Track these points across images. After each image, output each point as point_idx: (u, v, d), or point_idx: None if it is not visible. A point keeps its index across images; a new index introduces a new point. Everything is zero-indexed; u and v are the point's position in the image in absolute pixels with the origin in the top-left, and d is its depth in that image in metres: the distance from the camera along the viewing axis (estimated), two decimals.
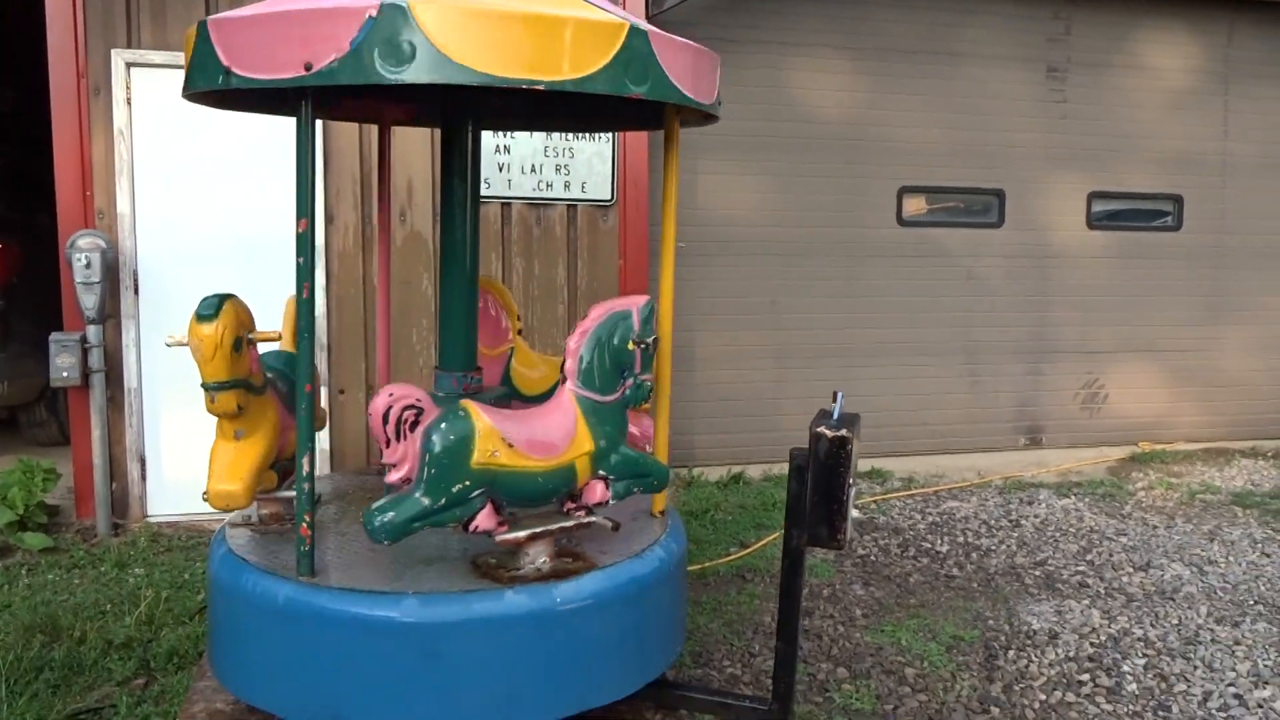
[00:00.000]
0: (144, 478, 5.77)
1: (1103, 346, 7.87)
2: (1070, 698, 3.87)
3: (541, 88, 2.47)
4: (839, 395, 3.18)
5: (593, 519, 3.08)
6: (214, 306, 2.97)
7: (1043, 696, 3.88)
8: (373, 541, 2.75)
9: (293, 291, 3.13)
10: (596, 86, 2.55)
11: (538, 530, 2.95)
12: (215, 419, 3.07)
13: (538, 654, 2.87)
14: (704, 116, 3.34)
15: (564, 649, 2.91)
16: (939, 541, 5.59)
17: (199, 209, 5.70)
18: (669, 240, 3.32)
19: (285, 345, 3.49)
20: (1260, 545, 5.57)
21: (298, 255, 2.68)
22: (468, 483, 2.76)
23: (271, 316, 3.58)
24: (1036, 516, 6.05)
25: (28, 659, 3.94)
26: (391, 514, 2.72)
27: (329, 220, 5.88)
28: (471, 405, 2.85)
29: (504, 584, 2.88)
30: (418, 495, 2.73)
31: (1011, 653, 4.23)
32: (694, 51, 2.86)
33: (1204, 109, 7.88)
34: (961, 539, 5.64)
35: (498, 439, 2.79)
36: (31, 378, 6.83)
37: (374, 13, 2.40)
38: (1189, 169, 7.89)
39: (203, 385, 2.96)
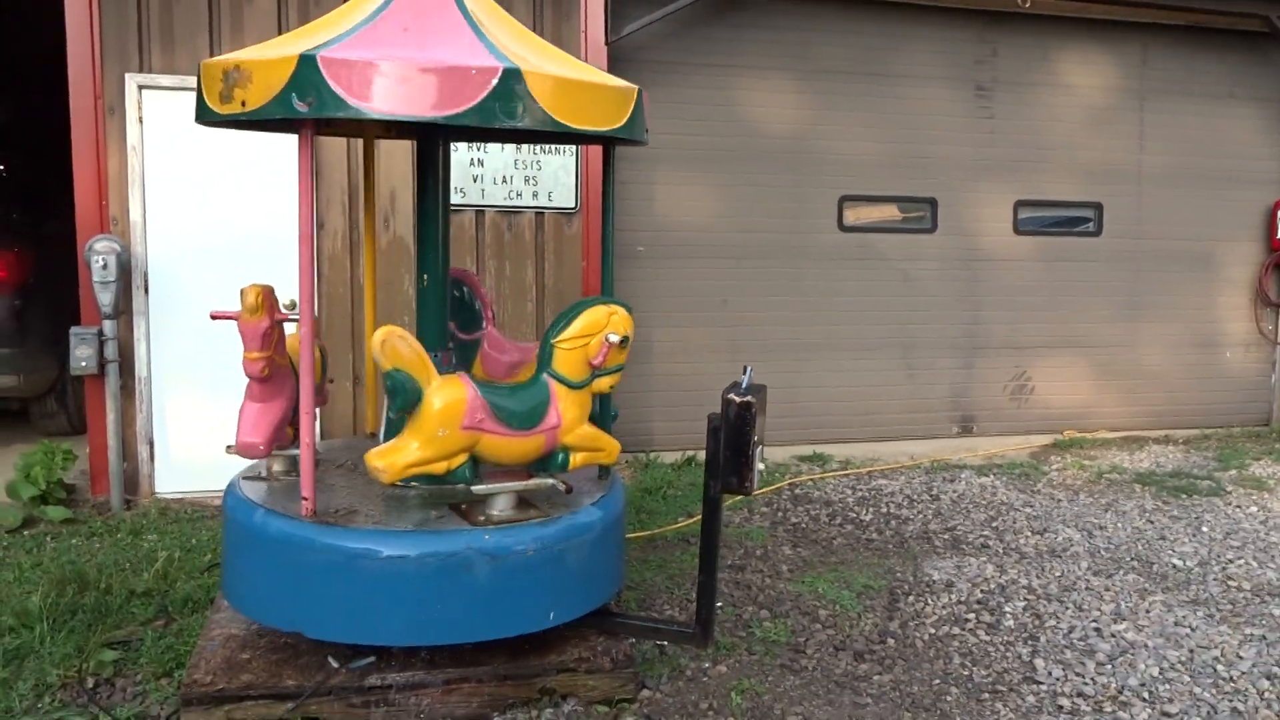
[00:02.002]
0: (152, 458, 6.39)
1: (1030, 342, 8.59)
2: (955, 631, 4.57)
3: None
4: (748, 369, 3.86)
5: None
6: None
7: (932, 630, 4.57)
8: None
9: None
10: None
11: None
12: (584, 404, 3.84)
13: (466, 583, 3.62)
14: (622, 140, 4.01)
15: (490, 582, 3.65)
16: (864, 512, 6.29)
17: (202, 216, 6.34)
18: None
19: None
20: (1148, 514, 6.30)
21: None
22: None
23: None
24: (955, 492, 6.76)
25: (63, 604, 4.55)
26: None
27: (320, 226, 6.53)
28: None
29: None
30: None
31: (912, 598, 4.92)
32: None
33: (1121, 123, 8.64)
34: (884, 510, 6.34)
35: None
36: (44, 372, 7.42)
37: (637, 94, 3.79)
38: (1108, 179, 8.64)
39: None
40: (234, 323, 3.89)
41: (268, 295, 3.92)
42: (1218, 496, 6.72)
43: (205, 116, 3.58)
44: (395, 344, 3.56)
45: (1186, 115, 8.75)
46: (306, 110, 3.21)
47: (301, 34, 3.66)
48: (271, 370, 3.89)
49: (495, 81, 3.26)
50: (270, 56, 3.30)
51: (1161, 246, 8.82)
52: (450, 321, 4.31)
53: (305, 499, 3.60)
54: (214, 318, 3.92)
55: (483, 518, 3.71)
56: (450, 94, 3.23)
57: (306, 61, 3.19)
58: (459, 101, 3.24)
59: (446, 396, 3.57)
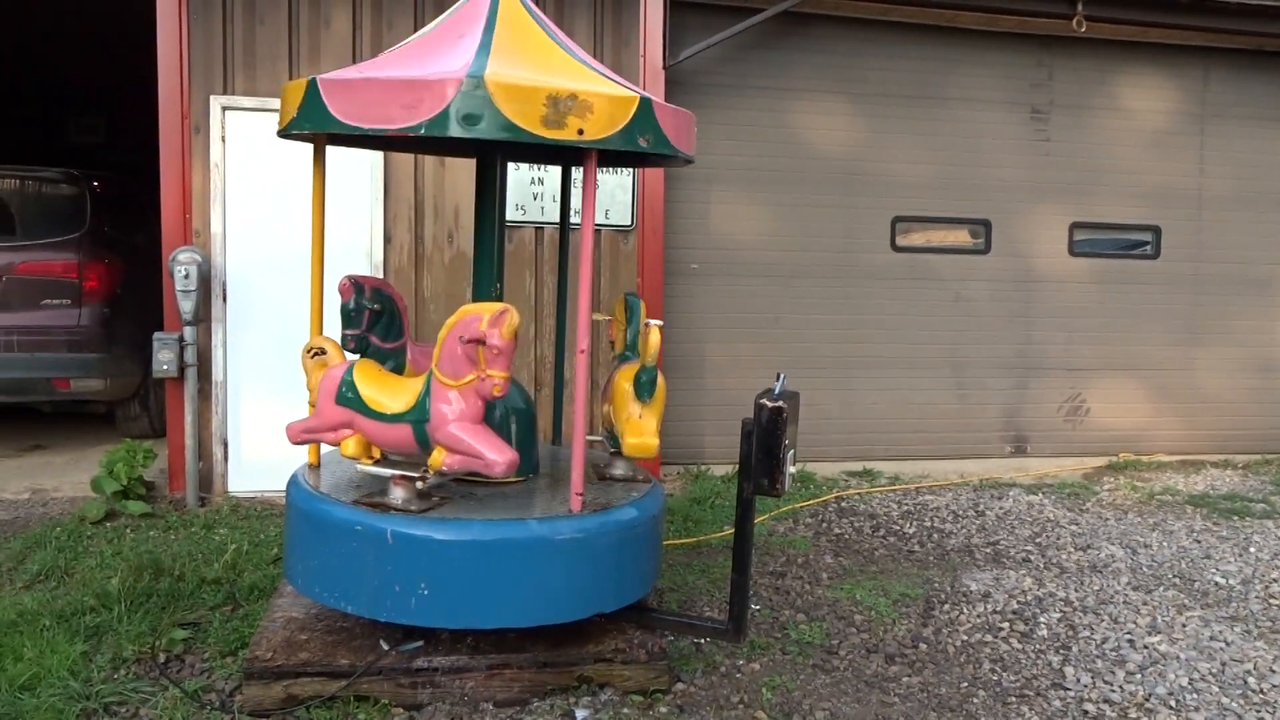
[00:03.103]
0: (226, 459, 6.75)
1: (1085, 364, 8.58)
2: (988, 639, 4.65)
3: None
4: (781, 376, 4.04)
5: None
6: None
7: (965, 637, 4.66)
8: None
9: None
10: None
11: None
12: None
13: (510, 571, 3.84)
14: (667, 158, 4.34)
15: (532, 571, 3.85)
16: (908, 525, 6.38)
17: (277, 229, 6.71)
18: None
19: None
20: (1195, 534, 6.28)
21: None
22: None
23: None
24: (1002, 509, 6.80)
25: (139, 588, 4.87)
26: None
27: (387, 240, 6.86)
28: None
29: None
30: None
31: (947, 606, 5.01)
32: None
33: (1181, 147, 8.61)
34: (929, 524, 6.42)
35: None
36: (129, 377, 7.86)
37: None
38: (1167, 202, 8.61)
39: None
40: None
41: None
42: (1270, 519, 6.67)
43: (507, 132, 3.50)
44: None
45: (1248, 139, 8.70)
46: (646, 146, 3.65)
47: (511, 56, 3.77)
48: None
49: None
50: (608, 92, 3.63)
51: (1221, 270, 8.75)
52: (369, 332, 4.49)
53: (579, 494, 3.95)
54: (467, 341, 3.84)
55: (638, 477, 4.50)
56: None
57: (645, 103, 3.68)
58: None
59: (663, 384, 4.39)
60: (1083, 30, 7.80)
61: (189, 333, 6.48)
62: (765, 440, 3.89)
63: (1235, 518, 6.68)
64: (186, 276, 6.32)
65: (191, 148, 6.56)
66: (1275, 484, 7.69)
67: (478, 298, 4.55)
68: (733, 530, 6.11)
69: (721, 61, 7.65)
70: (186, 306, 6.38)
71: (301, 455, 4.98)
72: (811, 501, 6.87)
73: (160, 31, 6.46)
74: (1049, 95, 8.33)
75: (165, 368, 6.46)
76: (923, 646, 4.56)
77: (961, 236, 8.33)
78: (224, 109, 6.57)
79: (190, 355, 6.50)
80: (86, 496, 6.47)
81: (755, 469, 3.93)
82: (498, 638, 4.00)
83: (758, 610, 4.89)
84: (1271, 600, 5.17)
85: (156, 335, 6.49)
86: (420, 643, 3.99)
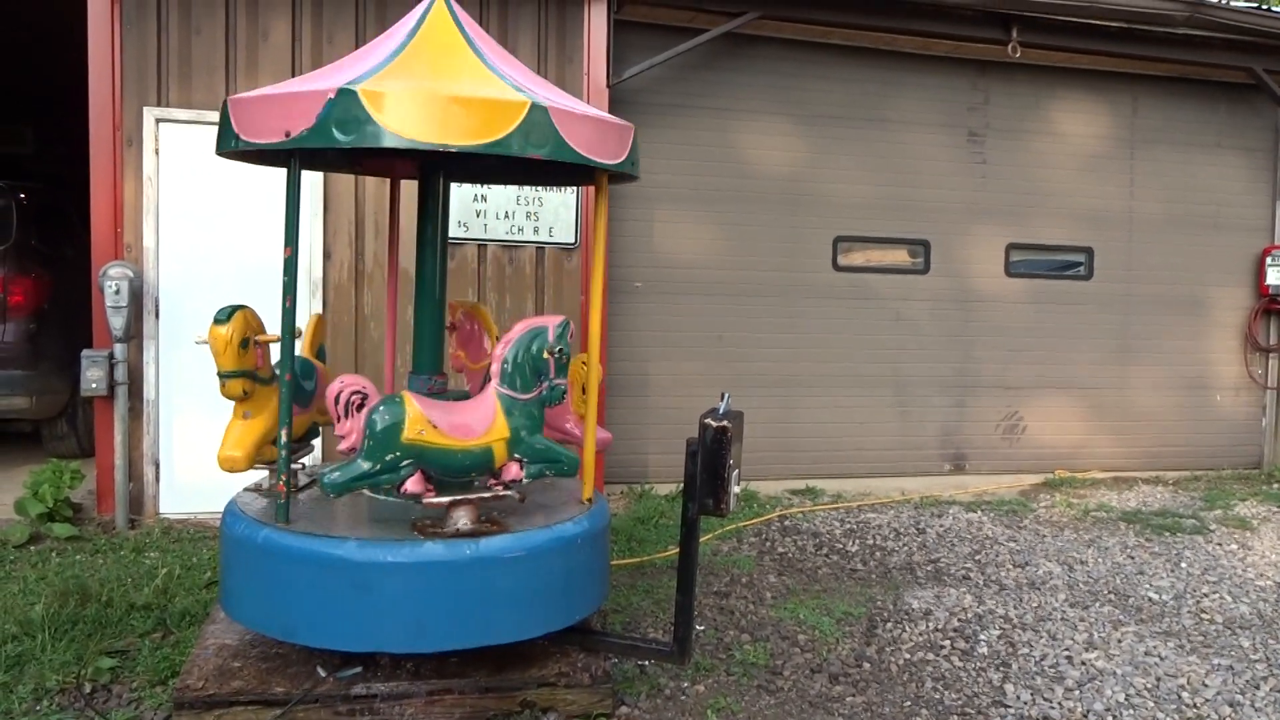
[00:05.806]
0: (158, 479, 6.57)
1: (1022, 382, 8.73)
2: (929, 657, 4.68)
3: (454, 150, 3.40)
4: (725, 396, 4.03)
5: (507, 493, 3.93)
6: (227, 313, 3.93)
7: (907, 655, 4.69)
8: (325, 494, 3.72)
9: (314, 310, 4.00)
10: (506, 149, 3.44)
11: (458, 498, 3.82)
12: (231, 405, 3.98)
13: (449, 592, 3.71)
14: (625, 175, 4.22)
15: (473, 591, 3.74)
16: (851, 543, 6.41)
17: (212, 244, 6.57)
18: (598, 274, 4.20)
19: (303, 351, 4.41)
20: (1129, 550, 6.40)
21: None
22: (398, 454, 3.67)
23: (272, 330, 4.45)
24: (942, 526, 6.87)
25: (65, 614, 4.71)
26: (338, 474, 3.64)
27: (326, 257, 6.74)
28: (406, 393, 3.76)
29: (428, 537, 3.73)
30: (359, 461, 3.66)
31: (890, 624, 5.04)
32: (594, 121, 3.74)
33: (1112, 170, 8.83)
34: (871, 542, 6.46)
35: (425, 421, 3.70)
36: (56, 394, 7.62)
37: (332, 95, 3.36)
38: (1099, 224, 8.82)
39: (217, 373, 3.92)
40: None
41: None
42: (1200, 535, 6.83)
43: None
44: None
45: (1176, 163, 8.95)
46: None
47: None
48: None
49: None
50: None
51: (1152, 291, 8.98)
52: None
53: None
54: None
55: None
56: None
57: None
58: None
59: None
60: (1017, 56, 7.97)
61: (119, 350, 6.30)
62: (710, 460, 3.88)
63: (1167, 534, 6.83)
64: (117, 292, 6.16)
65: (124, 160, 6.40)
66: (1204, 500, 7.89)
67: (419, 315, 4.47)
68: (677, 550, 6.09)
69: (666, 81, 7.67)
70: (117, 323, 6.21)
71: (234, 481, 4.84)
72: (755, 520, 6.88)
73: (91, 40, 6.30)
74: (985, 119, 8.50)
75: (94, 386, 6.27)
76: (866, 666, 4.57)
77: (901, 256, 8.44)
78: (158, 121, 6.42)
79: (120, 373, 6.32)
80: (10, 519, 6.24)
81: (700, 489, 3.91)
82: (438, 662, 3.93)
83: (702, 631, 4.87)
84: (1203, 615, 5.28)
85: (85, 353, 6.31)
86: (359, 669, 3.90)
